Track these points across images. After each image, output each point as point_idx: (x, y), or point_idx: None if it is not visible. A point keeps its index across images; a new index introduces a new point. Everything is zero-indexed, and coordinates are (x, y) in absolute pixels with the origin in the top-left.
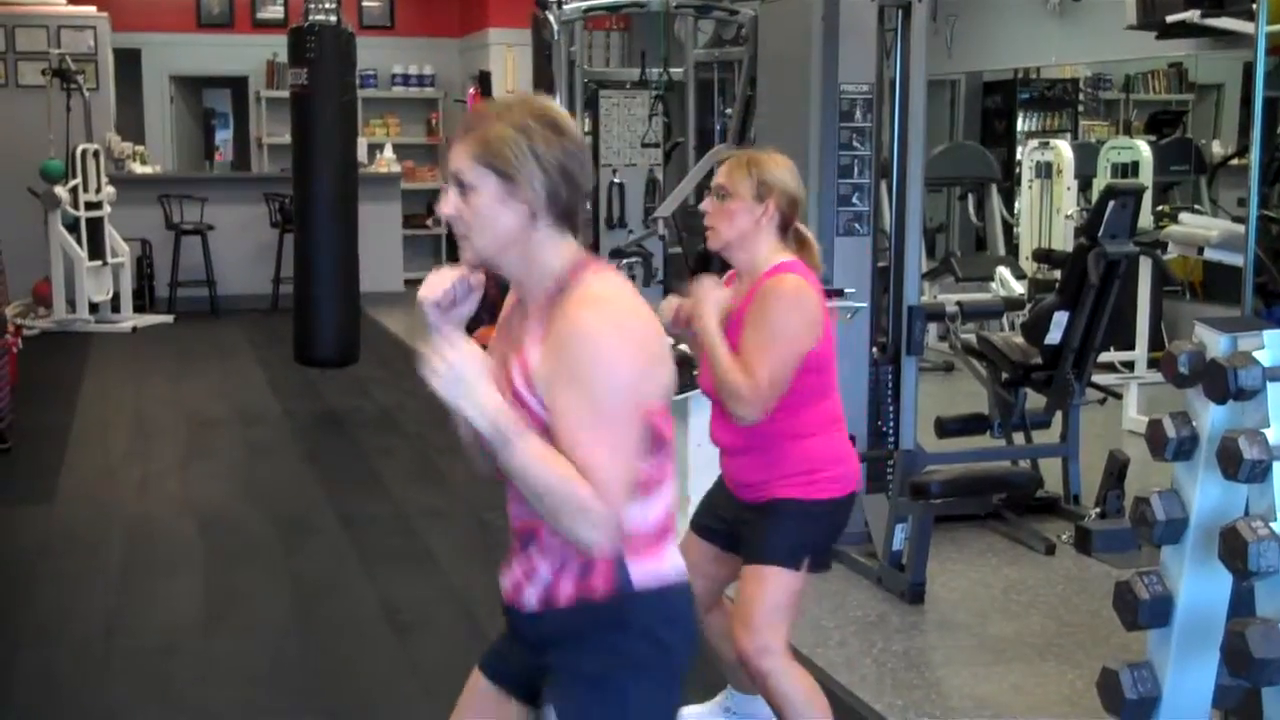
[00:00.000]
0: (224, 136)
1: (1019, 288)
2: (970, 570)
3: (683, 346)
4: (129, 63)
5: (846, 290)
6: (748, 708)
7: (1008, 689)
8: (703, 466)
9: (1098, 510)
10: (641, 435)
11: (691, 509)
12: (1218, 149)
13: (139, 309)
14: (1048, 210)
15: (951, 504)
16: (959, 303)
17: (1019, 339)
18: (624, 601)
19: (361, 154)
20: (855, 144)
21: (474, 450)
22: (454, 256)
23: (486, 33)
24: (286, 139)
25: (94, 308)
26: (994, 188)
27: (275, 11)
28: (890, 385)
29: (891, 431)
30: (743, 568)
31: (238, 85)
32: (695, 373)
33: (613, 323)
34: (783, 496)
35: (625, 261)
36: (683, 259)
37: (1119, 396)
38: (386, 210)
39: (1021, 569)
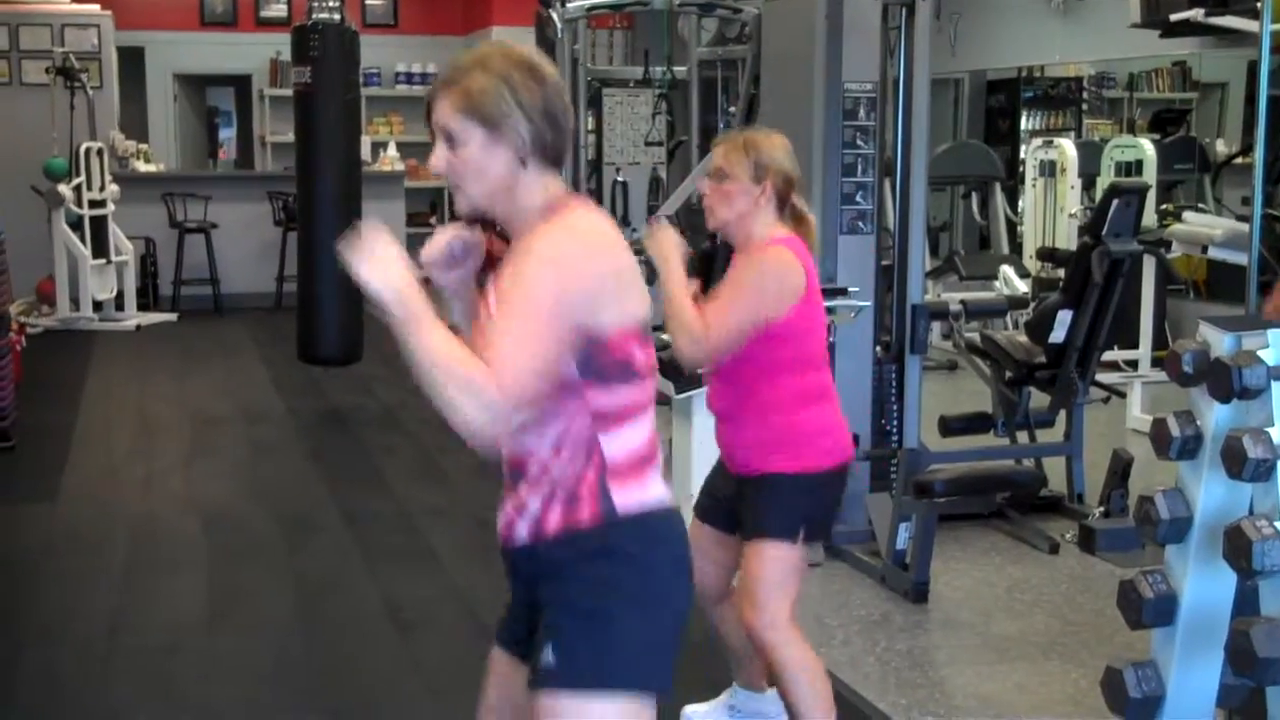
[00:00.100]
0: (227, 135)
1: (1023, 286)
2: (974, 569)
3: None
4: (133, 61)
5: (850, 289)
6: (753, 706)
7: (1012, 688)
8: (705, 466)
9: (1102, 509)
10: (561, 348)
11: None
12: (1222, 148)
13: (143, 307)
14: (1051, 209)
15: (955, 503)
16: (963, 301)
17: (1023, 338)
18: (608, 528)
19: (365, 152)
20: (859, 142)
21: None
22: None
23: (490, 31)
24: (290, 137)
25: (98, 306)
26: (998, 186)
27: (279, 10)
28: (894, 384)
29: (895, 430)
30: (743, 546)
31: (241, 83)
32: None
33: (568, 236)
34: (773, 471)
35: None
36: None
37: (1123, 395)
38: (390, 208)
39: (1025, 568)
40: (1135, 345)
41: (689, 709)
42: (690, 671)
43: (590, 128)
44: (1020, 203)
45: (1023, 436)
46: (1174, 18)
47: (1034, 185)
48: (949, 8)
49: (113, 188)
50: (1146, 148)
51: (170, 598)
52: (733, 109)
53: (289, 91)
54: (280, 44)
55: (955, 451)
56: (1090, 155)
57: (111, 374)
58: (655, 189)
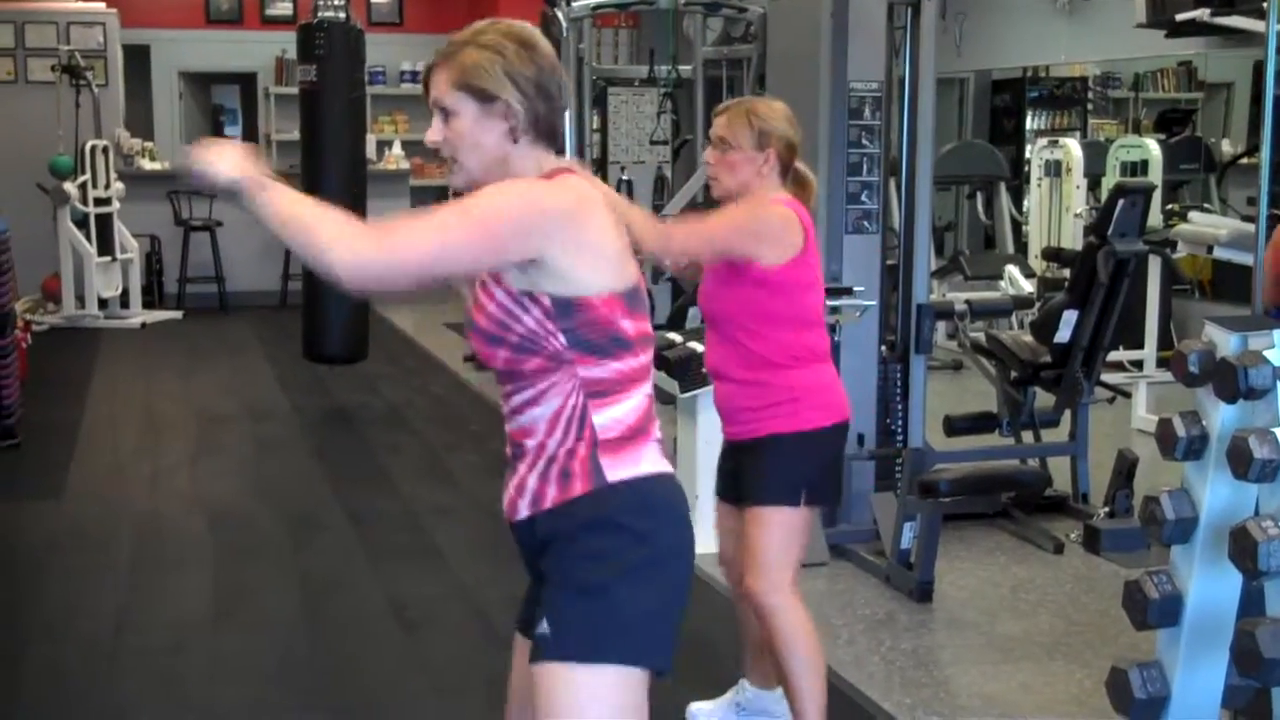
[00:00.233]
0: (233, 133)
1: (1028, 286)
2: (978, 569)
3: (692, 344)
4: (138, 59)
5: (855, 288)
6: (760, 704)
7: (1016, 688)
8: (711, 465)
9: (1106, 509)
10: (483, 257)
11: (701, 507)
12: (1227, 148)
13: (148, 305)
14: (1057, 209)
15: (960, 502)
16: (968, 301)
17: (1028, 337)
18: (600, 497)
19: (370, 151)
20: (864, 142)
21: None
22: None
23: None
24: (295, 135)
25: (103, 303)
26: (1003, 186)
27: (284, 8)
28: (899, 383)
29: (900, 429)
30: (746, 511)
31: (246, 81)
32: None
33: (541, 180)
34: (770, 432)
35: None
36: None
37: (1128, 395)
38: (395, 207)
39: (1030, 568)
40: (1140, 345)
41: (694, 706)
42: (696, 669)
43: (595, 127)
44: (1025, 202)
45: (1028, 436)
46: (1180, 18)
47: (1039, 185)
48: (954, 7)
49: (118, 185)
50: (1152, 148)
51: (175, 596)
52: None
53: (294, 90)
54: (286, 42)
55: (960, 451)
56: (1095, 155)
57: (117, 372)
58: (660, 188)
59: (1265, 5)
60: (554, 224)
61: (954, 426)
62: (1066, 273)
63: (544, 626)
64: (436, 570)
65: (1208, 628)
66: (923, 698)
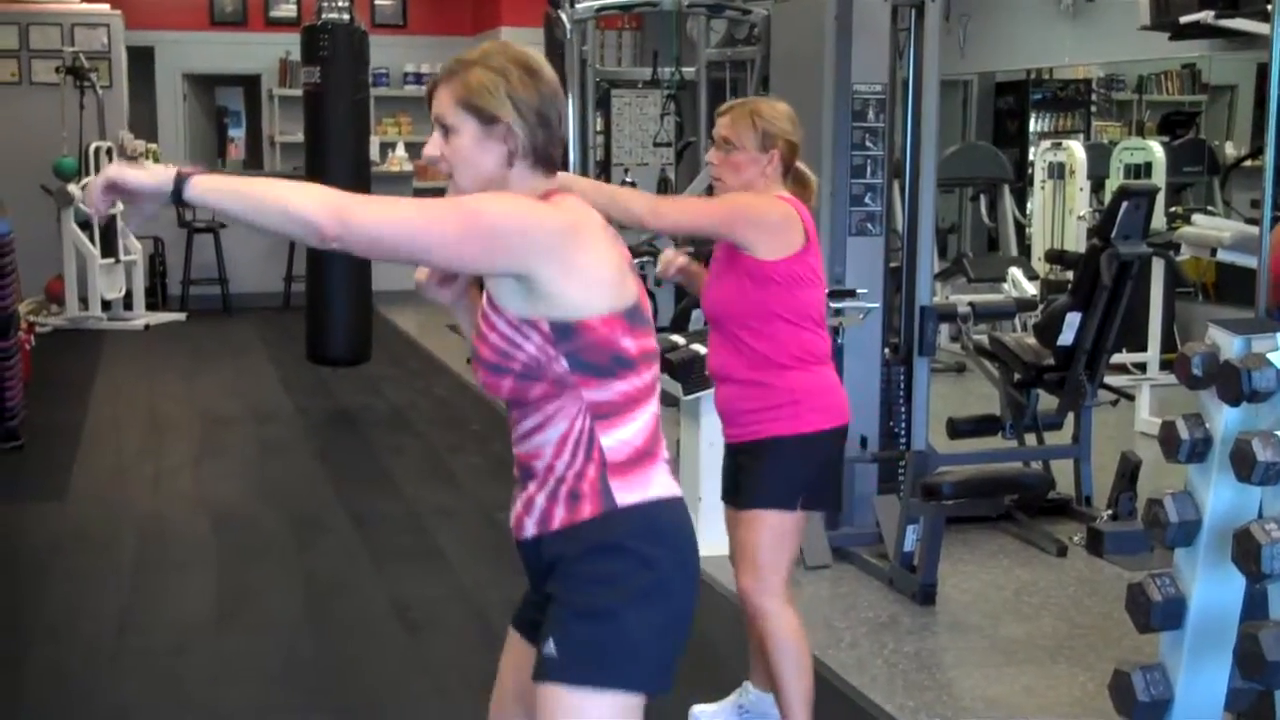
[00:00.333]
0: (236, 134)
1: (1031, 289)
2: (982, 572)
3: (695, 346)
4: (142, 60)
5: (859, 290)
6: (763, 707)
7: (1019, 690)
8: (714, 468)
9: (1110, 512)
10: (464, 256)
11: (703, 509)
12: (1231, 150)
13: (151, 307)
14: (1060, 211)
15: (963, 505)
16: (971, 303)
17: (1031, 340)
18: (609, 523)
19: (374, 152)
20: (868, 144)
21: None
22: None
23: (499, 31)
24: (299, 137)
25: (106, 305)
26: (1006, 188)
27: (288, 10)
28: (902, 386)
29: (903, 432)
30: (740, 513)
31: (250, 83)
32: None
33: (542, 202)
34: (771, 435)
35: (637, 260)
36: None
37: (1131, 398)
38: None
39: (1033, 570)
40: (1144, 348)
41: (697, 709)
42: (698, 671)
43: (599, 128)
44: (1029, 205)
45: (1031, 439)
46: (1184, 20)
47: (1043, 187)
48: (958, 9)
49: None
50: (1155, 150)
51: (178, 597)
52: None
53: (298, 91)
54: (290, 44)
55: (963, 454)
56: (1099, 157)
57: (120, 373)
58: (664, 190)
59: (1269, 8)
60: (546, 240)
61: (957, 429)
62: (1070, 275)
63: (550, 647)
64: (439, 572)
65: (1211, 630)
66: (925, 701)
